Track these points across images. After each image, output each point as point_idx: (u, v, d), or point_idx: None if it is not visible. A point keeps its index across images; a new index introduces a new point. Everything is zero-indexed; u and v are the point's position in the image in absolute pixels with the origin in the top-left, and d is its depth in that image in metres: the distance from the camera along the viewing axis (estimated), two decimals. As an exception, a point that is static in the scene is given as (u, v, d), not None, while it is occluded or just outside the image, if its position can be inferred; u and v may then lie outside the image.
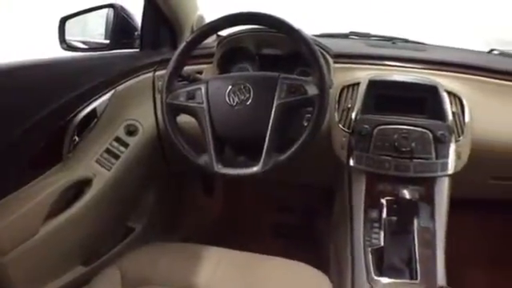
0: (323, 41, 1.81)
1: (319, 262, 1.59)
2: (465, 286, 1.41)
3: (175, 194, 2.36)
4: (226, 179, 2.32)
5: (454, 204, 1.71)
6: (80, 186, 1.73)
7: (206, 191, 2.48)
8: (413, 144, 1.64)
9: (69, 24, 1.89)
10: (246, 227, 2.40)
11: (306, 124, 1.55)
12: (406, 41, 2.13)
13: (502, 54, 2.20)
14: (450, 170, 1.66)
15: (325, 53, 1.76)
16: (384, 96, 1.73)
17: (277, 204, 2.46)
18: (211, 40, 1.95)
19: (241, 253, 1.52)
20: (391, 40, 2.10)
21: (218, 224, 2.45)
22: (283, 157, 1.48)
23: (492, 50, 2.22)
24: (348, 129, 1.70)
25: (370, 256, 1.60)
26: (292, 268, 1.48)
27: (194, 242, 1.58)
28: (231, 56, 1.87)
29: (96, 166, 1.76)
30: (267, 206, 2.45)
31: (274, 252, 1.52)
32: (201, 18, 2.01)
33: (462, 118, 1.72)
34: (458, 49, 2.24)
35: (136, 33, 2.01)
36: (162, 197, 2.18)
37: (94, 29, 2.09)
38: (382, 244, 1.61)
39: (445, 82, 1.77)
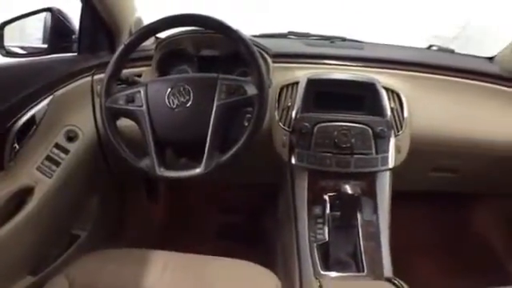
0: (262, 41, 1.83)
1: (266, 260, 1.60)
2: (411, 276, 1.44)
3: (119, 199, 2.34)
4: (170, 182, 2.31)
5: (397, 197, 1.75)
6: (22, 195, 1.70)
7: (149, 195, 2.46)
8: (353, 140, 1.68)
9: (7, 30, 1.85)
10: (191, 229, 2.40)
11: (246, 124, 1.57)
12: (344, 39, 2.16)
13: (440, 49, 2.27)
14: (391, 164, 1.72)
15: (263, 53, 1.79)
16: (323, 94, 1.77)
17: (222, 205, 2.46)
18: (150, 42, 1.94)
19: (187, 255, 1.51)
20: (329, 39, 2.12)
21: (164, 227, 2.44)
22: (225, 157, 1.49)
23: (430, 46, 2.28)
24: (288, 127, 1.73)
25: (315, 251, 1.63)
26: (239, 267, 1.48)
27: (140, 246, 1.56)
28: (170, 58, 1.86)
29: (37, 174, 1.73)
30: (212, 207, 2.46)
31: (221, 253, 1.52)
32: (139, 20, 2.00)
33: (400, 114, 1.77)
34: (396, 46, 2.30)
35: (74, 36, 1.97)
36: (105, 203, 2.16)
37: (32, 33, 2.05)
38: (327, 239, 1.64)
39: (383, 78, 1.82)
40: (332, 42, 2.10)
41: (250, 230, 2.39)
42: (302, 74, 1.80)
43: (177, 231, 2.39)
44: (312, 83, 1.76)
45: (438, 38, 3.79)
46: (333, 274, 1.58)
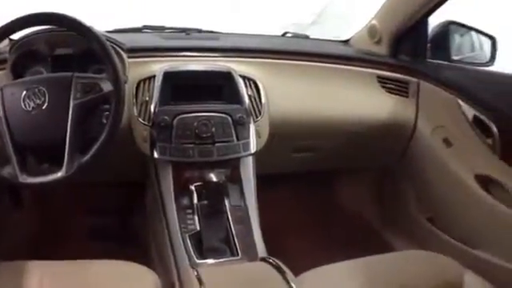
0: (116, 36, 1.82)
1: (142, 257, 1.62)
2: (286, 255, 1.51)
3: None
4: (35, 188, 2.26)
5: (264, 180, 1.84)
6: None
7: (16, 204, 2.38)
8: (213, 129, 1.74)
9: None
10: (64, 235, 2.35)
11: (105, 121, 1.56)
12: (200, 31, 2.20)
13: (295, 36, 2.39)
14: (252, 149, 1.80)
15: (118, 48, 1.78)
16: (181, 86, 1.81)
17: (92, 207, 2.42)
18: (3, 45, 1.89)
19: (63, 262, 1.49)
20: (185, 31, 2.15)
21: (35, 236, 2.37)
22: (86, 158, 1.49)
23: (285, 33, 2.39)
24: (148, 122, 1.75)
25: (188, 242, 1.66)
26: (116, 268, 1.48)
27: (13, 259, 1.51)
28: (25, 60, 1.80)
29: None
30: (82, 210, 2.41)
31: (97, 255, 1.50)
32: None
33: (258, 100, 1.86)
34: (251, 35, 2.38)
35: None
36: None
37: None
38: (199, 228, 1.68)
39: (239, 67, 1.89)
40: (188, 34, 2.14)
41: (122, 229, 2.38)
42: (159, 67, 1.82)
43: (49, 238, 2.33)
44: (169, 76, 1.79)
45: (295, 25, 3.93)
46: (209, 261, 1.62)
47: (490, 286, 1.50)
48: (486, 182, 1.85)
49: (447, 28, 2.18)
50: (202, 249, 1.66)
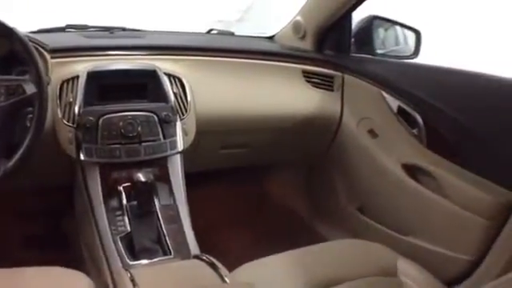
0: (39, 37, 1.78)
1: (75, 262, 1.62)
2: (220, 251, 1.53)
3: None
4: None
5: (194, 178, 1.86)
6: None
7: None
8: (139, 128, 1.74)
9: None
10: None
11: (29, 125, 1.54)
12: (124, 29, 2.18)
13: (220, 32, 2.41)
14: (180, 147, 1.81)
15: (41, 49, 1.73)
16: (106, 86, 1.80)
17: (22, 213, 2.37)
18: None
19: None
20: (109, 30, 2.13)
21: None
22: (11, 163, 1.47)
23: (210, 30, 2.41)
24: (73, 123, 1.72)
25: (120, 244, 1.65)
26: (48, 274, 1.46)
27: None
28: None
29: None
30: (13, 218, 2.36)
31: (30, 263, 1.47)
32: None
33: (184, 98, 1.88)
34: (176, 32, 2.40)
35: None
36: None
37: None
38: (129, 229, 1.68)
39: (164, 65, 1.90)
40: (112, 33, 2.12)
41: (53, 235, 2.33)
42: (82, 67, 1.80)
43: None
44: (93, 76, 1.77)
45: (222, 23, 3.95)
46: (142, 262, 1.62)
47: (422, 270, 1.56)
48: (412, 170, 1.90)
49: (371, 23, 2.25)
50: (135, 250, 1.66)
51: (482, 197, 1.64)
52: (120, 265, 1.61)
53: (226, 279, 1.39)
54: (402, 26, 2.29)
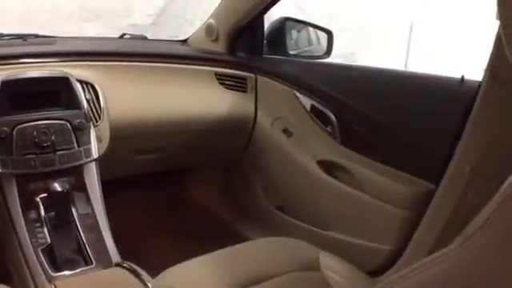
0: None
1: (2, 278, 1.61)
2: (143, 257, 1.54)
3: None
4: None
5: (111, 185, 1.86)
6: None
7: None
8: (53, 137, 1.74)
9: None
10: None
11: None
12: (37, 36, 2.17)
13: (133, 37, 2.42)
14: (94, 154, 1.82)
15: None
16: (20, 94, 1.78)
17: None
18: None
19: None
20: (22, 37, 2.12)
21: None
22: None
23: (123, 35, 2.43)
24: None
25: (41, 256, 1.64)
26: None
27: None
28: None
29: None
30: None
31: None
32: None
33: (97, 104, 1.89)
34: (88, 38, 2.42)
35: None
36: None
37: None
38: (49, 241, 1.67)
39: (76, 71, 1.90)
40: (24, 40, 2.10)
41: None
42: None
43: None
44: (6, 85, 1.75)
45: (135, 27, 3.95)
46: (65, 273, 1.62)
47: (345, 262, 1.60)
48: (328, 166, 1.98)
49: (283, 24, 2.32)
50: (57, 261, 1.65)
51: (398, 188, 1.72)
52: (44, 277, 1.60)
53: (149, 285, 1.41)
54: (314, 26, 2.38)
